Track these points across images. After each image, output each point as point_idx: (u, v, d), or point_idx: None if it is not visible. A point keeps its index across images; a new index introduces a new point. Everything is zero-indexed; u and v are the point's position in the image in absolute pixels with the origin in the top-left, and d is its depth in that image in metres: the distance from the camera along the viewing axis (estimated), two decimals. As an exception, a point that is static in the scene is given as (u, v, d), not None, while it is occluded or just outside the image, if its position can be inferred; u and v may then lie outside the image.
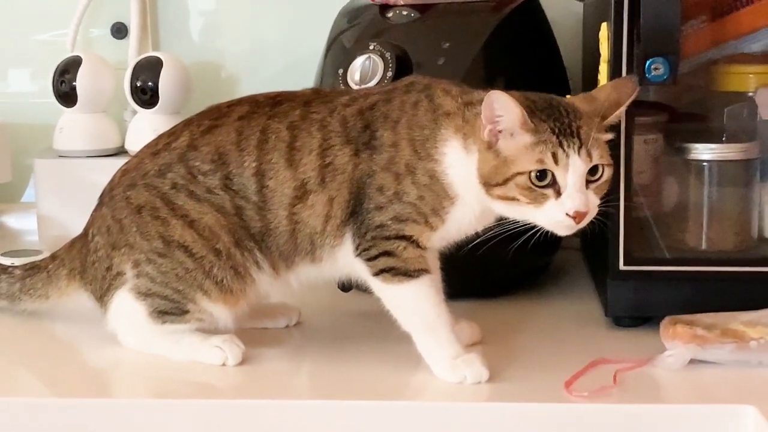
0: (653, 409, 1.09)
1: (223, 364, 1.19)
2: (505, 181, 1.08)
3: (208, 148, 1.19)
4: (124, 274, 1.21)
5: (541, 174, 1.07)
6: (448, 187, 1.14)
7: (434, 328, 1.15)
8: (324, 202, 1.16)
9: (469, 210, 1.14)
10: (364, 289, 1.25)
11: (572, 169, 1.07)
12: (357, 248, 1.16)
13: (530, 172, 1.07)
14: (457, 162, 1.13)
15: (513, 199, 1.08)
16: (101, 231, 1.23)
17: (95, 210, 1.26)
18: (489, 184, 1.10)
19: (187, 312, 1.20)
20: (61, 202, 1.61)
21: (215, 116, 1.22)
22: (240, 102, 1.22)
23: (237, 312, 1.21)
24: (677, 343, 1.17)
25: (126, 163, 1.26)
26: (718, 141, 1.32)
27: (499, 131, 1.08)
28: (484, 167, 1.10)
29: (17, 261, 1.39)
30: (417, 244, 1.16)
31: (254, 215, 1.18)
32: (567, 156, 1.07)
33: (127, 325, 1.23)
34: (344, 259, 1.18)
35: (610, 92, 1.12)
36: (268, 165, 1.17)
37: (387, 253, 1.15)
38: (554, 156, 1.07)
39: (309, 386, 1.19)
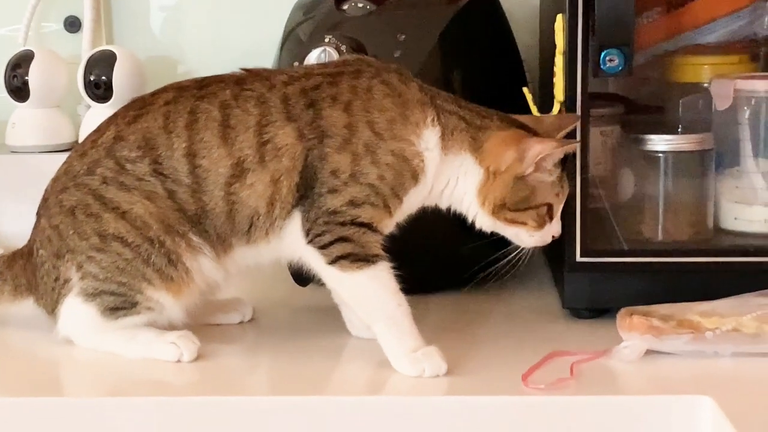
0: (610, 401, 1.10)
1: (178, 361, 1.18)
2: (527, 209, 1.17)
3: (135, 137, 1.18)
4: (71, 279, 1.20)
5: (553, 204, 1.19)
6: (417, 168, 1.16)
7: (395, 317, 1.15)
8: (266, 182, 1.15)
9: (424, 193, 1.18)
10: (320, 283, 1.25)
11: (562, 199, 1.20)
12: (308, 234, 1.16)
13: (550, 203, 1.18)
14: (434, 150, 1.16)
15: (523, 223, 1.18)
16: (43, 243, 1.22)
17: (35, 225, 1.25)
18: (504, 207, 1.16)
19: (136, 303, 1.19)
20: (14, 199, 1.59)
21: (140, 106, 1.21)
22: (165, 89, 1.22)
23: (184, 301, 1.19)
24: (633, 335, 1.17)
25: (56, 172, 1.25)
26: (674, 132, 1.33)
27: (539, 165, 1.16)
28: (505, 193, 1.17)
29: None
30: (374, 229, 1.16)
31: (188, 198, 1.17)
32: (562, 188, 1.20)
33: (79, 329, 1.22)
34: (289, 243, 1.17)
35: (555, 118, 1.23)
36: (199, 144, 1.16)
37: (343, 239, 1.15)
38: (562, 189, 1.19)
39: (265, 382, 1.19)
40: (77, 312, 1.20)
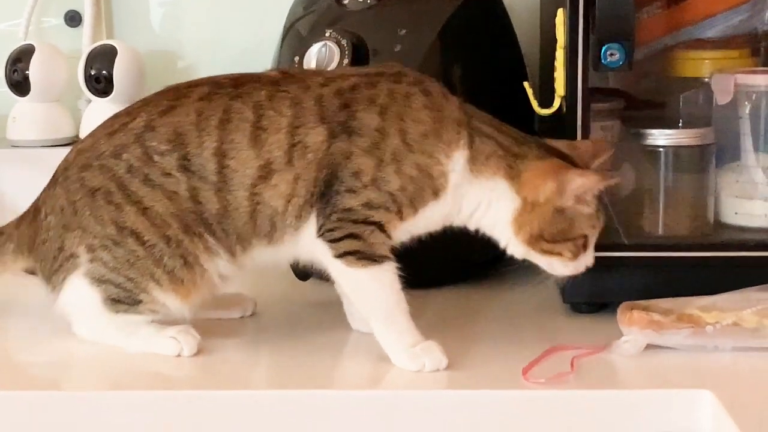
0: (610, 395, 1.10)
1: (179, 355, 1.18)
2: (565, 240, 1.16)
3: (166, 129, 1.17)
4: (78, 257, 1.19)
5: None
6: (440, 186, 1.15)
7: (393, 315, 1.15)
8: (288, 180, 1.15)
9: (444, 210, 1.17)
10: (321, 278, 1.25)
11: (598, 230, 1.19)
12: (320, 229, 1.15)
13: (586, 234, 1.17)
14: (460, 172, 1.15)
15: (558, 254, 1.16)
16: (54, 210, 1.21)
17: (48, 188, 1.24)
18: (541, 238, 1.15)
19: (139, 302, 1.19)
20: (15, 193, 1.60)
21: (174, 96, 1.20)
22: (200, 83, 1.21)
23: (190, 303, 1.19)
24: (634, 329, 1.17)
25: (81, 141, 1.24)
26: (675, 127, 1.33)
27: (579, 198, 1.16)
28: (543, 225, 1.15)
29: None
30: (384, 231, 1.15)
31: (212, 197, 1.16)
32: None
33: (81, 314, 1.21)
34: (305, 242, 1.17)
35: (589, 145, 1.21)
36: (229, 145, 1.16)
37: (353, 236, 1.15)
38: (598, 221, 1.18)
39: (265, 377, 1.19)
40: (81, 294, 1.20)
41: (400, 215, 1.15)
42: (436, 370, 1.13)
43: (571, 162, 1.17)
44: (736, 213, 1.34)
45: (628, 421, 1.09)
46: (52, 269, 1.22)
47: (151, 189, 1.17)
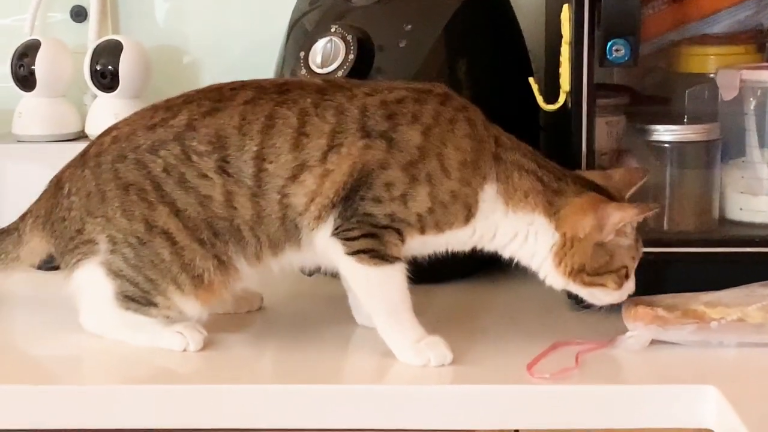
0: (614, 390, 1.10)
1: (184, 350, 1.18)
2: (608, 272, 1.17)
3: (208, 130, 1.17)
4: (97, 244, 1.19)
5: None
6: (470, 214, 1.15)
7: (398, 312, 1.16)
8: (317, 176, 1.14)
9: (469, 236, 1.17)
10: (326, 273, 1.26)
11: (637, 259, 1.19)
12: (336, 228, 1.15)
13: (627, 266, 1.17)
14: (490, 202, 1.16)
15: (602, 285, 1.17)
16: (80, 192, 1.21)
17: (75, 166, 1.23)
18: (583, 272, 1.16)
19: (153, 305, 1.19)
20: (21, 188, 1.59)
21: (217, 98, 1.19)
22: (244, 86, 1.20)
23: (210, 307, 1.19)
24: (638, 324, 1.18)
25: (116, 127, 1.23)
26: (680, 123, 1.33)
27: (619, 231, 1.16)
28: (584, 259, 1.16)
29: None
30: (401, 235, 1.15)
31: (246, 202, 1.16)
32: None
33: (89, 302, 1.21)
34: (319, 242, 1.16)
35: (624, 173, 1.21)
36: (270, 149, 1.15)
37: (369, 235, 1.14)
38: (637, 252, 1.18)
39: (271, 371, 1.19)
40: (94, 281, 1.20)
41: (421, 231, 1.15)
42: (441, 365, 1.14)
43: (606, 193, 1.17)
44: (741, 209, 1.34)
45: (632, 416, 1.09)
46: (66, 248, 1.21)
47: (185, 192, 1.17)
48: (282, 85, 1.20)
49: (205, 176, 1.16)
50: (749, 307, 1.18)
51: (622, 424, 1.11)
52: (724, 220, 1.34)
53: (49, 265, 1.32)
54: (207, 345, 1.19)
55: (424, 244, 1.18)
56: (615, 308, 1.22)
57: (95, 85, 1.63)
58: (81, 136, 1.65)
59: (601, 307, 1.25)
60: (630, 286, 1.19)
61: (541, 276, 1.19)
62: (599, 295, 1.18)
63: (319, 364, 1.16)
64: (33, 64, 1.63)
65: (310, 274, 1.33)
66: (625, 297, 1.19)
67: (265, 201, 1.16)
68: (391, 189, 1.14)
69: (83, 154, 1.24)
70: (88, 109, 1.66)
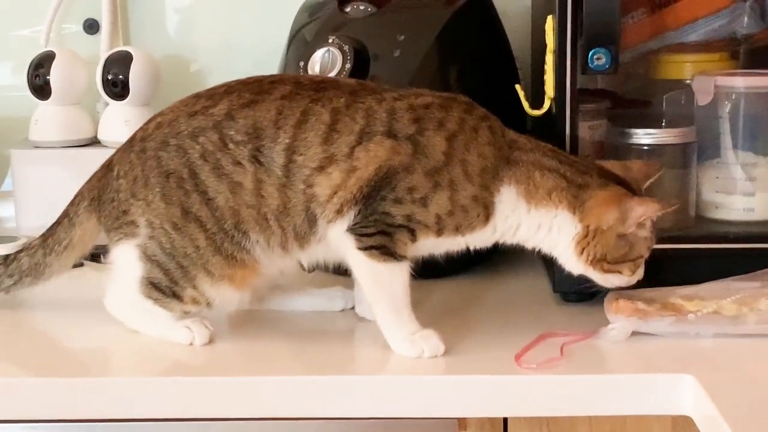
0: (598, 379, 1.10)
1: (191, 344, 1.18)
2: (626, 261, 1.16)
3: (245, 121, 1.15)
4: (138, 226, 1.18)
5: None
6: (488, 215, 1.15)
7: (398, 307, 1.15)
8: (343, 171, 1.13)
9: (486, 235, 1.16)
10: (326, 270, 1.25)
11: (650, 249, 1.19)
12: (355, 225, 1.14)
13: (643, 255, 1.17)
14: (508, 203, 1.15)
15: (619, 272, 1.17)
16: (127, 176, 1.20)
17: (124, 151, 1.22)
18: (604, 260, 1.15)
19: (177, 298, 1.18)
20: (37, 191, 1.59)
21: (256, 91, 1.18)
22: (282, 81, 1.19)
23: (243, 292, 1.18)
24: (620, 317, 1.17)
25: (161, 114, 1.21)
26: (658, 126, 1.32)
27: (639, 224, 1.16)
28: (606, 249, 1.15)
29: (-3, 247, 1.38)
30: (414, 235, 1.15)
31: (273, 191, 1.14)
32: None
33: (117, 285, 1.21)
34: (334, 235, 1.15)
35: (641, 166, 1.21)
36: (302, 142, 1.14)
37: (384, 233, 1.14)
38: (652, 243, 1.18)
39: (272, 364, 1.17)
40: (127, 261, 1.19)
41: (438, 233, 1.15)
42: (434, 356, 1.13)
43: (626, 185, 1.17)
44: (716, 207, 1.33)
45: (614, 403, 1.09)
46: (112, 226, 1.20)
47: (218, 179, 1.15)
48: (319, 82, 1.19)
49: (239, 164, 1.15)
50: (724, 300, 1.18)
51: (605, 411, 1.11)
52: (700, 218, 1.34)
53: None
54: (225, 337, 1.19)
55: (439, 244, 1.17)
56: (598, 302, 1.21)
57: (107, 94, 1.63)
58: (94, 141, 1.65)
59: (584, 299, 1.25)
60: (640, 272, 1.18)
61: (560, 262, 1.18)
62: (613, 280, 1.18)
63: (319, 356, 1.16)
64: (48, 74, 1.63)
65: (310, 271, 1.32)
66: (634, 282, 1.18)
67: (292, 191, 1.14)
68: (413, 192, 1.13)
69: (131, 138, 1.22)
70: (101, 116, 1.66)
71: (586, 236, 1.15)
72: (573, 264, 1.17)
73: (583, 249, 1.16)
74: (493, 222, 1.16)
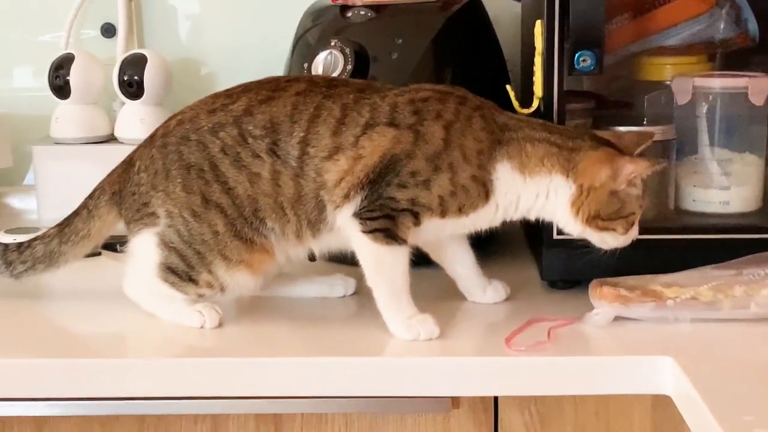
0: (583, 361, 1.11)
1: (201, 327, 1.19)
2: (618, 218, 1.17)
3: (263, 116, 1.17)
4: (158, 217, 1.19)
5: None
6: (489, 191, 1.16)
7: (398, 291, 1.16)
8: (350, 158, 1.14)
9: (490, 213, 1.17)
10: (327, 259, 1.26)
11: (642, 208, 1.19)
12: (361, 209, 1.15)
13: (635, 212, 1.18)
14: (505, 178, 1.16)
15: (612, 230, 1.17)
16: (148, 170, 1.20)
17: (145, 146, 1.22)
18: (598, 217, 1.16)
19: (192, 282, 1.19)
20: (58, 185, 1.60)
21: (273, 88, 1.19)
22: (298, 79, 1.21)
23: (257, 278, 1.19)
24: (604, 303, 1.18)
25: (181, 112, 1.22)
26: (640, 124, 1.33)
27: (630, 182, 1.17)
28: (599, 206, 1.16)
29: (19, 237, 1.38)
30: (417, 219, 1.16)
31: (289, 181, 1.16)
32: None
33: (135, 269, 1.21)
34: (340, 221, 1.16)
35: (632, 135, 1.21)
36: (314, 135, 1.15)
37: (388, 217, 1.14)
38: (643, 201, 1.19)
39: (276, 346, 1.18)
40: (145, 249, 1.20)
41: (442, 215, 1.16)
42: (429, 339, 1.14)
43: (618, 150, 1.17)
44: (694, 200, 1.34)
45: (598, 384, 1.10)
46: (132, 218, 1.21)
47: (238, 171, 1.16)
48: (331, 81, 1.21)
49: (257, 156, 1.16)
50: (701, 287, 1.18)
51: (589, 391, 1.12)
52: (679, 210, 1.35)
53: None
54: (234, 321, 1.19)
55: (444, 225, 1.18)
56: (583, 289, 1.22)
57: (123, 94, 1.64)
58: (111, 138, 1.66)
59: (570, 286, 1.26)
60: (634, 232, 1.19)
61: (560, 226, 1.19)
62: (609, 240, 1.18)
63: (321, 339, 1.17)
64: (68, 75, 1.63)
65: (312, 259, 1.33)
66: (629, 242, 1.19)
67: (305, 180, 1.16)
68: (416, 176, 1.14)
69: (152, 135, 1.23)
70: (117, 115, 1.66)
71: (580, 195, 1.16)
72: (571, 225, 1.18)
73: (579, 208, 1.16)
74: (494, 199, 1.16)
